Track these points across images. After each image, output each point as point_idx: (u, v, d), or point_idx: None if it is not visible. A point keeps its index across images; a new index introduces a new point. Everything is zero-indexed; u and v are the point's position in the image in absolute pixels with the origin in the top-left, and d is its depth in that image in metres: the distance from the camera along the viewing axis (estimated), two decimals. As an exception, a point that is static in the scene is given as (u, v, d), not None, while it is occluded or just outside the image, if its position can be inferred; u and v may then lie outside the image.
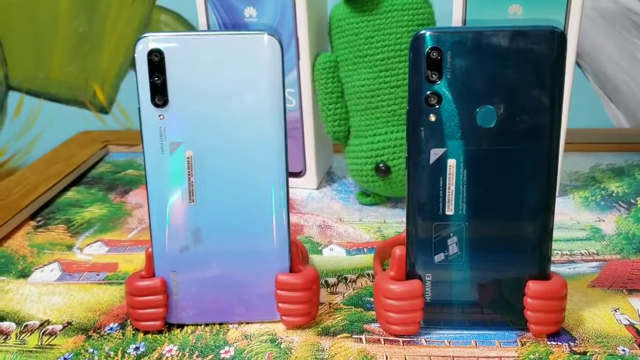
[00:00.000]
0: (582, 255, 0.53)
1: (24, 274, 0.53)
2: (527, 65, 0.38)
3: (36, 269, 0.54)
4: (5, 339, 0.45)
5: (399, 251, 0.42)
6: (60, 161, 0.77)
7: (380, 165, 0.60)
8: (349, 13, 0.59)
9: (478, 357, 0.40)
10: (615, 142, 0.77)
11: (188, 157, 0.41)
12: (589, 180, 0.69)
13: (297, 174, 0.68)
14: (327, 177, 0.72)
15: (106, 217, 0.64)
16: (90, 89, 1.10)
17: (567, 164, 0.72)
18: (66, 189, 0.72)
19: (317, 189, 0.69)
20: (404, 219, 0.42)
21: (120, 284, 0.51)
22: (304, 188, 0.69)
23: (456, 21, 0.57)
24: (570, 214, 0.61)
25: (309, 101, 0.65)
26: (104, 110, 1.11)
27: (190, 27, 1.04)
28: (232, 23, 0.64)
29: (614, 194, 0.65)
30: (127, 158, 0.81)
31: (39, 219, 0.65)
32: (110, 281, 0.52)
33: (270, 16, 0.62)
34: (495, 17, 0.56)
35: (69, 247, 0.58)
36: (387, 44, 0.58)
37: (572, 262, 0.52)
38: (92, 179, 0.75)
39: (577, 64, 0.97)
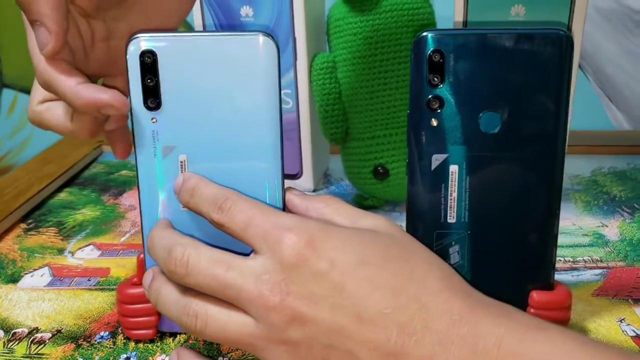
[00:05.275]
0: (586, 262, 0.52)
1: (14, 279, 0.52)
2: (532, 68, 0.37)
3: (26, 273, 0.53)
4: (-8, 348, 0.43)
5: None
6: (53, 161, 0.75)
7: (379, 168, 0.59)
8: (347, 13, 0.58)
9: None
10: (617, 144, 0.76)
11: (181, 161, 0.40)
12: (590, 184, 0.68)
13: (294, 176, 0.67)
14: (324, 179, 0.71)
15: (99, 219, 0.63)
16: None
17: (568, 167, 0.70)
18: (59, 190, 0.70)
19: (314, 191, 0.68)
20: (403, 224, 0.40)
21: (112, 289, 0.50)
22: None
23: (457, 22, 0.55)
24: (573, 219, 0.60)
25: (306, 102, 0.63)
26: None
27: (186, 25, 1.03)
28: (227, 23, 0.62)
29: (616, 198, 0.64)
30: (121, 158, 0.80)
31: (29, 221, 0.63)
32: (101, 287, 0.51)
33: (267, 16, 0.61)
34: (497, 18, 0.54)
35: (60, 251, 0.57)
36: (386, 45, 0.57)
37: (575, 269, 0.51)
38: (85, 180, 0.73)
39: (579, 64, 0.96)
